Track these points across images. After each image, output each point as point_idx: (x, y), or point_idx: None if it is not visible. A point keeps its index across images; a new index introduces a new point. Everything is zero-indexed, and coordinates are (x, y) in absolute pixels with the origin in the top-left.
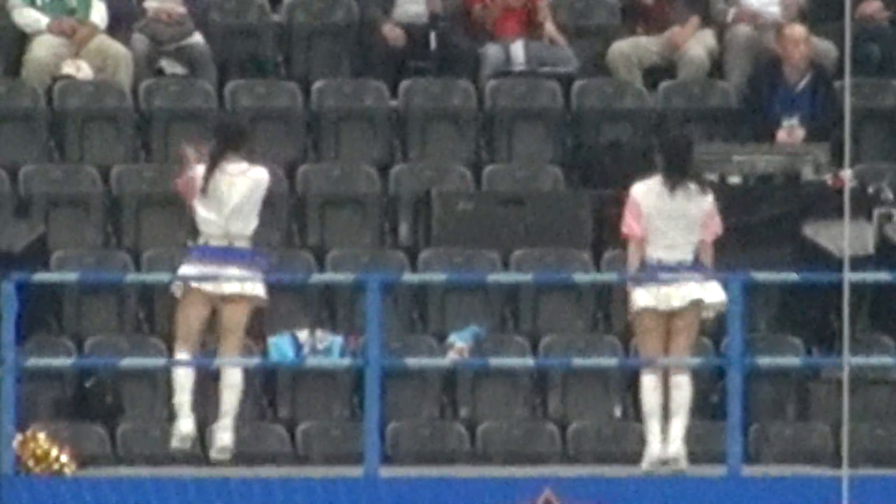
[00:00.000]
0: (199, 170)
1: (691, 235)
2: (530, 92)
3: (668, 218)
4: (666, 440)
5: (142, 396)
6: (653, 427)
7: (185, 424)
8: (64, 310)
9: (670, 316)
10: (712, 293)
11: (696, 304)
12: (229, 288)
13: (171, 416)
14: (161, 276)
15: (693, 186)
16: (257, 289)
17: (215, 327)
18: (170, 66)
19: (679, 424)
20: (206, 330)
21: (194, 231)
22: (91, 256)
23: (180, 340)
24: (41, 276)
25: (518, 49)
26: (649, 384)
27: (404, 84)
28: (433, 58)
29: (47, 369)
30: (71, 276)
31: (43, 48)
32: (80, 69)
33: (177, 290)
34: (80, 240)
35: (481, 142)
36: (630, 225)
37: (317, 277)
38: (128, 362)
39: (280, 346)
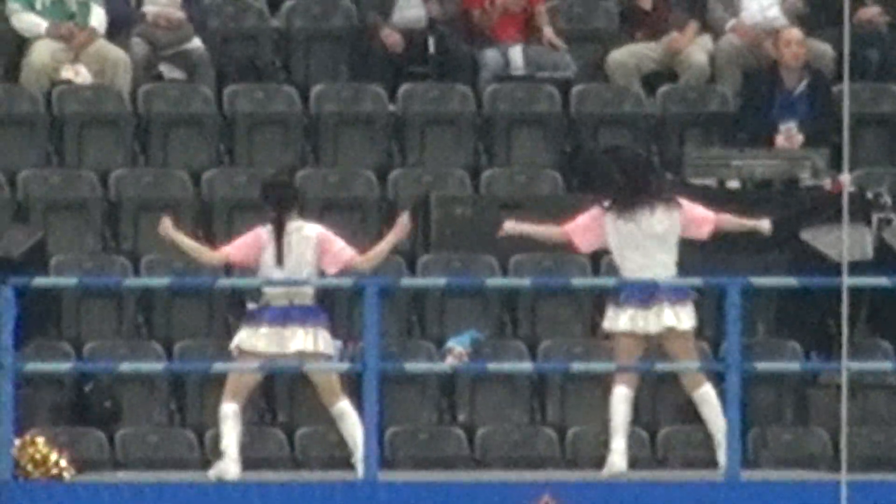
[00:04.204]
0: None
1: (666, 255)
2: (529, 97)
3: (632, 240)
4: (719, 447)
5: (140, 401)
6: (619, 442)
7: (233, 469)
8: (63, 314)
9: (648, 337)
10: (685, 320)
11: (671, 331)
12: (295, 348)
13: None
14: (160, 281)
15: (657, 203)
16: (326, 346)
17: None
18: (168, 71)
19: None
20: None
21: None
22: (90, 261)
23: (229, 394)
24: (40, 281)
25: (517, 53)
26: (622, 395)
27: (403, 89)
28: (432, 62)
29: (46, 374)
30: (70, 281)
31: (42, 53)
32: (79, 74)
33: (234, 350)
34: (79, 244)
35: (480, 146)
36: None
37: (317, 282)
38: (126, 367)
39: None
